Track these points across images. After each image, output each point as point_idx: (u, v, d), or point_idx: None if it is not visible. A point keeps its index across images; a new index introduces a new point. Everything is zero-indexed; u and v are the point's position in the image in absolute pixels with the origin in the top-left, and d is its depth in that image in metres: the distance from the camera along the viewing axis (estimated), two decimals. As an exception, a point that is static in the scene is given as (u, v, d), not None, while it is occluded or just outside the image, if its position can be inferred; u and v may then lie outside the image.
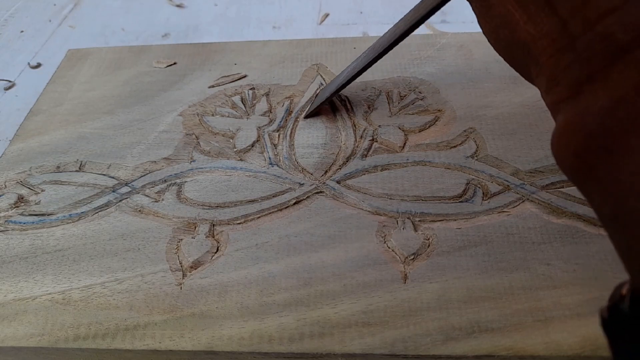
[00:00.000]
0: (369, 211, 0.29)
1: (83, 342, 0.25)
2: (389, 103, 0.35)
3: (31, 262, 0.28)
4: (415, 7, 0.30)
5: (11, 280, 0.28)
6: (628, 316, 0.16)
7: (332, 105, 0.35)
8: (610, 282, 0.25)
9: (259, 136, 0.34)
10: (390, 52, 0.39)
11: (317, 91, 0.37)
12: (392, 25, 0.32)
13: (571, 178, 0.18)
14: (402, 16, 0.31)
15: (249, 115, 0.36)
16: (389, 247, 0.27)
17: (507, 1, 0.19)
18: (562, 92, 0.17)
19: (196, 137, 0.34)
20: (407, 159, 0.32)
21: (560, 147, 0.18)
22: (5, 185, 0.33)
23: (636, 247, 0.16)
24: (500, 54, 0.22)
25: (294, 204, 0.30)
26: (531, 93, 0.34)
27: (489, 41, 0.22)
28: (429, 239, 0.27)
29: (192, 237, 0.29)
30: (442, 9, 0.43)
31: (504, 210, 0.28)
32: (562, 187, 0.29)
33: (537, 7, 0.18)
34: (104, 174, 0.33)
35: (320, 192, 0.30)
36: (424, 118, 0.34)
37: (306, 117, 0.35)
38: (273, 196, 0.30)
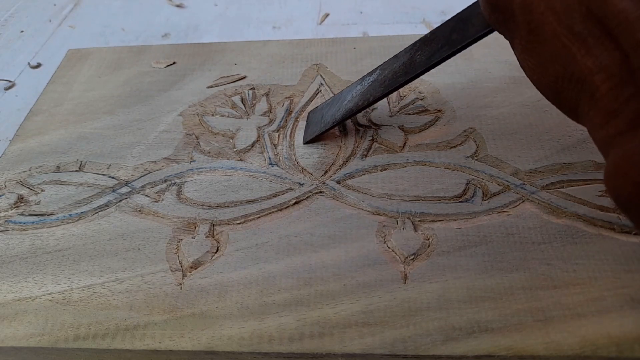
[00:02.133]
0: (369, 211, 0.29)
1: (83, 342, 0.25)
2: (389, 103, 0.35)
3: (31, 262, 0.28)
4: (433, 37, 0.28)
5: (11, 280, 0.28)
6: None
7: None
8: (610, 282, 0.25)
9: (259, 136, 0.34)
10: (391, 52, 0.39)
11: (311, 111, 0.35)
12: (405, 49, 0.30)
13: (631, 210, 0.17)
14: (416, 41, 0.29)
15: (249, 115, 0.36)
16: (389, 247, 0.27)
17: (563, 35, 0.19)
18: (621, 125, 0.17)
19: (196, 137, 0.34)
20: (407, 159, 0.32)
21: (618, 178, 0.17)
22: (5, 185, 0.33)
23: None
24: (542, 89, 0.21)
25: (294, 204, 0.30)
26: (531, 93, 0.34)
27: (530, 76, 0.22)
28: (429, 239, 0.27)
29: (192, 237, 0.29)
30: (442, 8, 0.43)
31: (504, 210, 0.28)
32: (562, 187, 0.29)
33: (597, 41, 0.18)
34: (104, 174, 0.33)
35: (320, 192, 0.30)
36: (424, 118, 0.34)
37: (306, 143, 0.33)
38: (273, 196, 0.30)
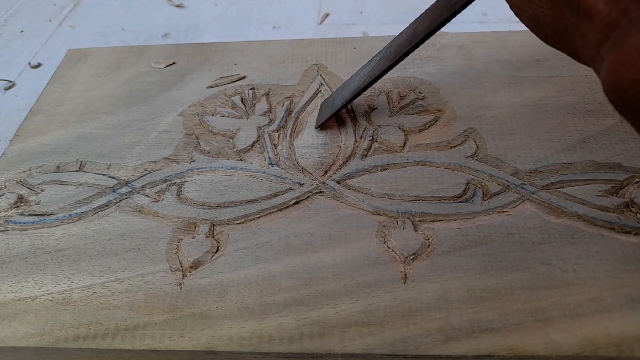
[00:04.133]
0: (369, 211, 0.29)
1: (83, 342, 0.25)
2: (389, 103, 0.35)
3: (31, 262, 0.28)
4: (433, 7, 0.29)
5: (11, 280, 0.28)
6: None
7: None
8: (610, 282, 0.25)
9: (259, 136, 0.34)
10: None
11: (324, 101, 0.35)
12: (408, 25, 0.31)
13: (630, 112, 0.18)
14: (418, 16, 0.30)
15: (249, 115, 0.36)
16: (389, 247, 0.27)
17: None
18: (618, 34, 0.18)
19: (196, 137, 0.34)
20: (407, 159, 0.32)
21: (617, 77, 0.17)
22: (5, 185, 0.33)
23: None
24: (539, 24, 0.22)
25: (294, 204, 0.30)
26: (531, 93, 0.34)
27: (525, 12, 0.22)
28: (429, 239, 0.27)
29: (192, 237, 0.29)
30: (442, 9, 0.43)
31: (504, 210, 0.28)
32: (562, 187, 0.29)
33: None
34: (104, 174, 0.33)
35: (320, 192, 0.30)
36: (424, 118, 0.34)
37: (319, 127, 0.34)
38: (273, 196, 0.30)
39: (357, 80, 0.33)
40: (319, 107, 0.35)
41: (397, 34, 0.32)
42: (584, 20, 0.19)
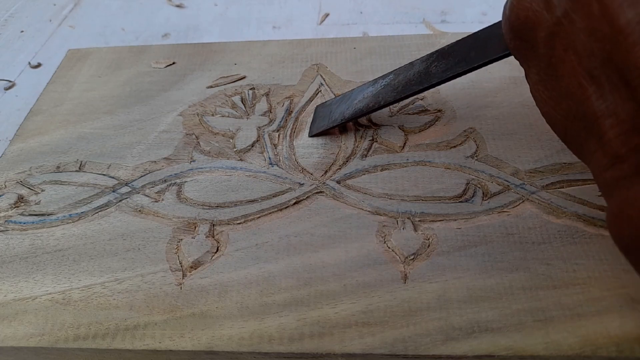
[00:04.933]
0: (369, 211, 0.29)
1: (83, 342, 0.25)
2: (389, 103, 0.35)
3: (31, 262, 0.28)
4: (450, 50, 0.29)
5: (11, 280, 0.28)
6: None
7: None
8: (610, 282, 0.25)
9: (259, 136, 0.34)
10: (391, 52, 0.39)
11: (319, 105, 0.35)
12: (421, 58, 0.30)
13: (631, 253, 0.18)
14: (433, 52, 0.30)
15: (249, 115, 0.36)
16: (389, 247, 0.27)
17: (581, 75, 0.19)
18: (627, 169, 0.18)
19: (196, 137, 0.34)
20: (407, 159, 0.32)
21: (622, 221, 0.18)
22: (5, 185, 0.33)
23: None
24: (551, 122, 0.22)
25: (294, 204, 0.30)
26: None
27: (541, 107, 0.22)
28: (429, 239, 0.27)
29: (192, 237, 0.29)
30: (442, 8, 0.43)
31: (504, 210, 0.28)
32: (562, 187, 0.29)
33: (613, 87, 0.18)
34: (104, 174, 0.33)
35: (320, 192, 0.30)
36: (424, 118, 0.34)
37: (312, 136, 0.34)
38: (273, 196, 0.30)
39: (359, 98, 0.33)
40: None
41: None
42: (595, 140, 0.19)
